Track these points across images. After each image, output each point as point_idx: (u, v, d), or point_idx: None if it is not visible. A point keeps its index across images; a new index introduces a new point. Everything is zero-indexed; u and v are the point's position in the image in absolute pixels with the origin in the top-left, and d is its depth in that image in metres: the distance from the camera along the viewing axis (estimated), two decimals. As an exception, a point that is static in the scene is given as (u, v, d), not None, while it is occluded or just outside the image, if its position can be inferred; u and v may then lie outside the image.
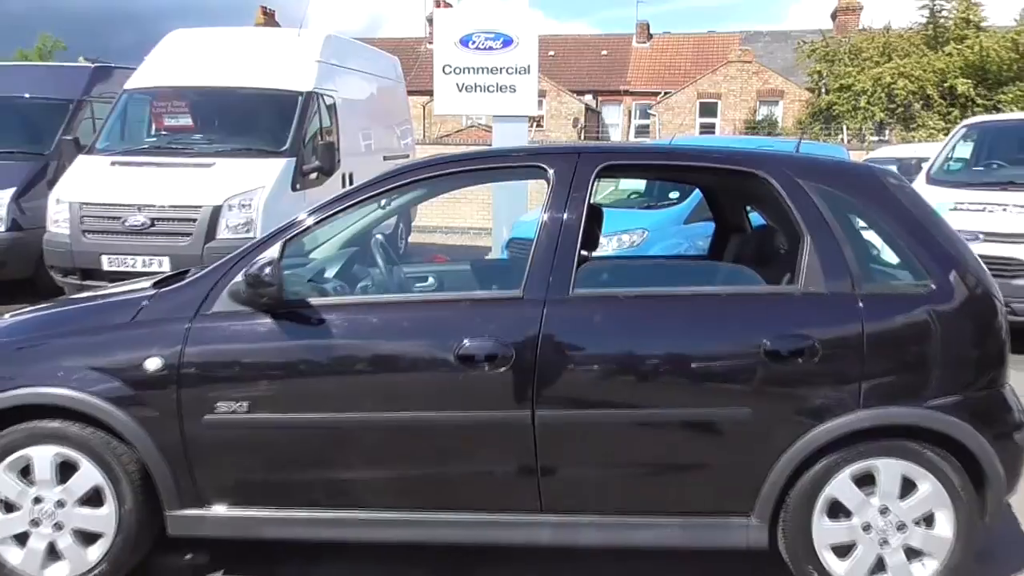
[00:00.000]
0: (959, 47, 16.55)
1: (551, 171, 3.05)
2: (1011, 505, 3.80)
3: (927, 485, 2.91)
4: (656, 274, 3.36)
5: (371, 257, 3.75)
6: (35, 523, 3.02)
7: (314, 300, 3.01)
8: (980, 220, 7.39)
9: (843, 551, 2.95)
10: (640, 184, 9.35)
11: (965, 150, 8.97)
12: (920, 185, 8.53)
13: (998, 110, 15.91)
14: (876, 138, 17.02)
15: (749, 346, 2.87)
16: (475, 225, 16.98)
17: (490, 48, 10.35)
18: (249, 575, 3.22)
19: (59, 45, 41.07)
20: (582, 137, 30.97)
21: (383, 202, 3.25)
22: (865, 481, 2.92)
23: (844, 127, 16.27)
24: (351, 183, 9.37)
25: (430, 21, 37.15)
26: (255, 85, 8.43)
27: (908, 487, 2.92)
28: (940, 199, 7.98)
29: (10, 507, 3.03)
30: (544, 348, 2.87)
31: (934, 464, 2.89)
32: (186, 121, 8.77)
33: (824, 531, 2.93)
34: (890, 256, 3.03)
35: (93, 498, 3.01)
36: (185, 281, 3.14)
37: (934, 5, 17.35)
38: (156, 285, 3.26)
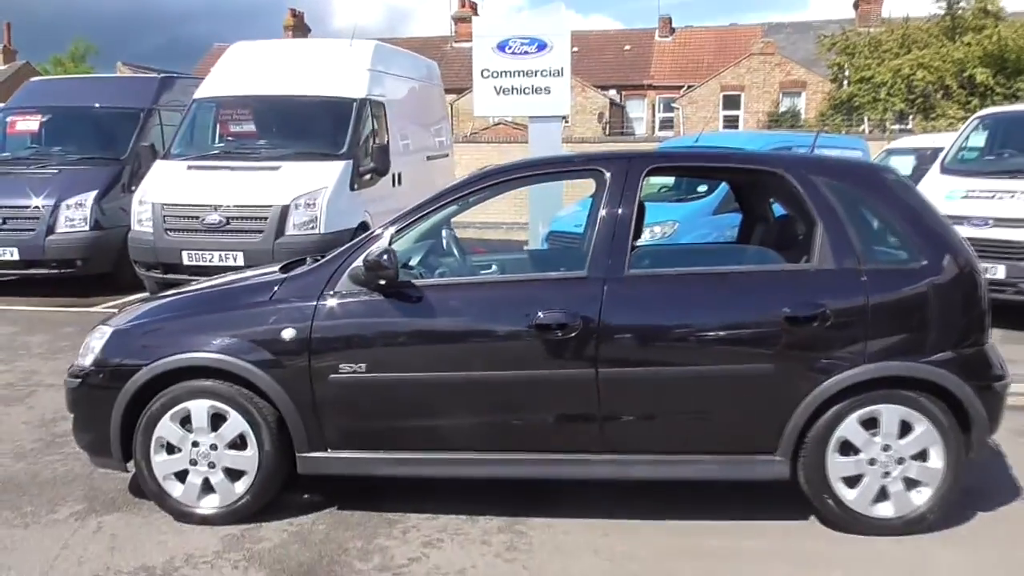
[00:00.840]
0: (977, 37, 16.96)
1: (607, 173, 3.71)
2: (1003, 453, 4.43)
3: (921, 426, 3.54)
4: (694, 257, 4.00)
5: (445, 247, 4.44)
6: (193, 463, 3.74)
7: (418, 282, 3.69)
8: (991, 206, 7.89)
9: (852, 481, 3.59)
10: (670, 179, 9.97)
11: (978, 140, 9.48)
12: (935, 174, 9.09)
13: (1017, 98, 16.31)
14: (899, 127, 17.48)
15: (772, 313, 3.52)
16: (507, 220, 17.67)
17: (526, 52, 11.01)
18: (356, 510, 3.89)
19: (92, 49, 42.24)
20: (607, 132, 31.48)
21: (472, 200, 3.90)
22: (870, 424, 3.56)
23: (866, 118, 16.77)
24: (400, 183, 10.10)
25: (456, 20, 38.03)
26: (313, 93, 9.15)
27: (906, 428, 3.56)
28: (953, 187, 8.52)
29: (171, 450, 3.75)
30: (605, 317, 3.54)
31: (927, 409, 3.53)
32: (250, 127, 9.53)
33: (836, 465, 3.57)
34: (888, 238, 3.66)
35: (239, 443, 3.73)
36: (309, 267, 3.84)
37: (952, -4, 17.79)
38: (283, 270, 3.97)
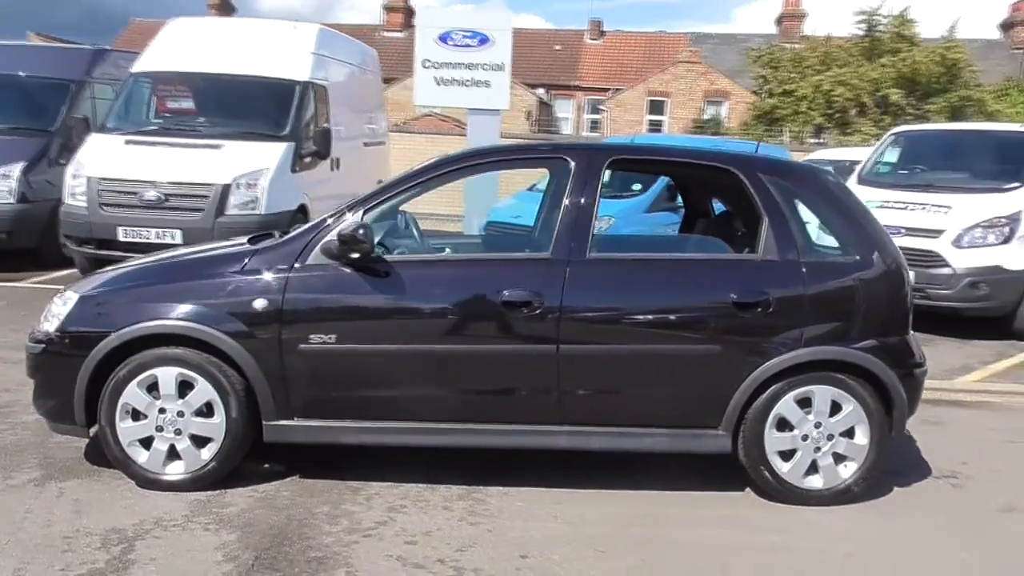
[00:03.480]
0: (893, 59, 17.94)
1: (572, 163, 3.93)
2: (915, 439, 4.84)
3: (850, 406, 3.89)
4: (650, 244, 4.26)
5: (403, 228, 4.59)
6: (159, 429, 3.80)
7: (388, 257, 3.84)
8: (903, 217, 8.45)
9: (787, 455, 3.91)
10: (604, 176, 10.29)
11: (893, 155, 10.12)
12: (852, 185, 9.62)
13: (926, 119, 17.32)
14: (814, 140, 18.30)
15: (721, 299, 3.81)
16: (440, 212, 17.85)
17: (467, 45, 11.17)
18: (319, 478, 4.00)
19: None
20: (536, 130, 31.85)
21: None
22: (804, 403, 3.88)
23: (786, 130, 17.51)
24: (338, 167, 10.14)
25: (387, 9, 37.83)
26: (256, 73, 9.10)
27: (836, 408, 3.89)
28: (869, 197, 9.05)
29: (136, 416, 3.79)
30: (567, 297, 3.76)
31: (855, 391, 3.87)
32: (188, 105, 9.42)
33: (773, 440, 3.89)
34: (826, 234, 3.99)
35: (205, 410, 3.80)
36: (280, 240, 3.93)
37: (871, 19, 18.71)
38: (252, 242, 4.06)
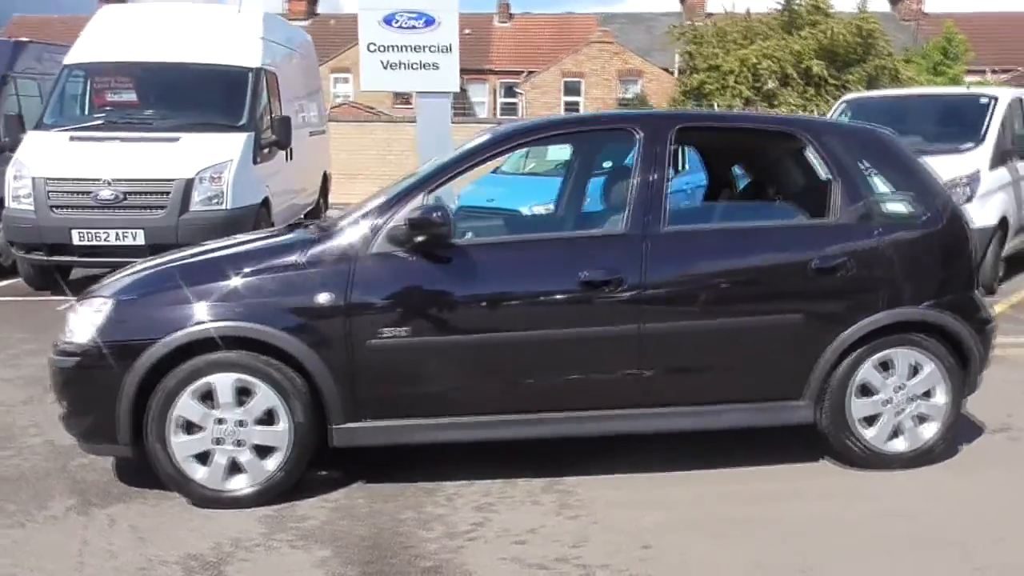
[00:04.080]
0: (812, 31, 18.41)
1: (640, 133, 3.75)
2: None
3: (929, 367, 3.85)
4: (720, 213, 4.12)
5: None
6: (218, 441, 3.45)
7: (458, 241, 3.58)
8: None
9: (870, 421, 3.85)
10: (566, 153, 10.15)
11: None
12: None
13: (847, 88, 17.83)
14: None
15: (802, 265, 3.71)
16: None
17: (413, 27, 10.81)
18: (384, 482, 3.73)
19: None
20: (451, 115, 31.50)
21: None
22: (884, 367, 3.82)
23: (716, 104, 17.76)
24: (292, 157, 9.68)
25: (291, -6, 36.58)
26: (205, 61, 8.56)
27: (915, 370, 3.85)
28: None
29: (190, 429, 3.44)
30: (647, 273, 3.58)
31: (934, 351, 3.84)
32: (130, 97, 8.81)
33: (856, 406, 3.81)
34: (895, 194, 3.93)
35: (266, 417, 3.48)
36: (339, 227, 3.62)
37: (788, -8, 19.15)
38: (290, 229, 3.75)
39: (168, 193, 7.50)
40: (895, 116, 10.29)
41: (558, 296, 3.58)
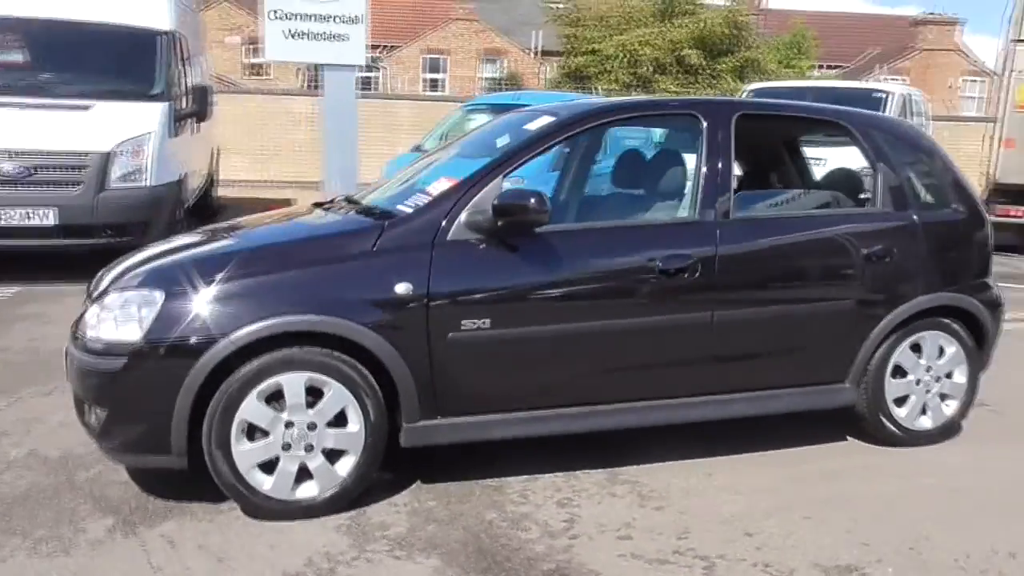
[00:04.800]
0: (687, 21, 19.05)
1: (704, 120, 3.72)
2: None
3: (952, 348, 4.08)
4: (775, 199, 4.15)
5: None
6: (286, 447, 3.15)
7: (539, 229, 3.42)
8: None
9: (900, 401, 4.04)
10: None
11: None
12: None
13: (719, 78, 18.65)
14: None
15: (855, 252, 3.82)
16: (296, 179, 16.78)
17: (319, -7, 10.34)
18: (442, 481, 3.55)
19: None
20: (309, 86, 30.43)
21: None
22: (916, 349, 4.02)
23: (597, 88, 18.06)
24: (198, 130, 9.03)
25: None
26: (110, 20, 7.75)
27: (941, 351, 4.07)
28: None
29: (252, 435, 3.12)
30: (719, 260, 3.58)
31: (958, 333, 4.07)
32: (18, 57, 7.86)
33: (891, 387, 3.99)
34: (929, 186, 4.12)
35: (337, 419, 3.21)
36: (412, 211, 3.38)
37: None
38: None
39: (84, 168, 6.80)
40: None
41: (636, 284, 3.51)
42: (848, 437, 4.19)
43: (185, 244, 3.62)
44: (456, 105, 12.63)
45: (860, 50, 39.16)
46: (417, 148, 9.79)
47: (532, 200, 3.22)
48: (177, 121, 7.76)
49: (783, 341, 3.79)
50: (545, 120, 3.70)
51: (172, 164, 7.51)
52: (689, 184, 3.68)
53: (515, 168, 3.52)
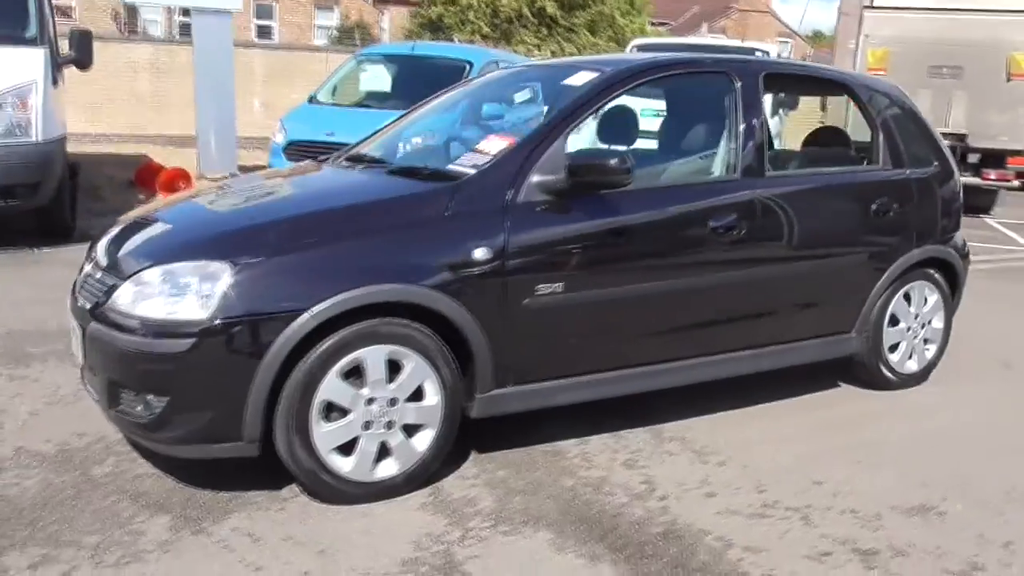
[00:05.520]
0: (543, -28, 19.09)
1: (738, 80, 3.74)
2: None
3: (935, 297, 4.41)
4: (796, 158, 4.21)
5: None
6: (367, 425, 2.94)
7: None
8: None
9: (894, 348, 4.32)
10: (383, 85, 9.64)
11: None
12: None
13: (575, 31, 18.87)
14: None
15: (868, 209, 4.03)
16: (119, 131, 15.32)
17: (187, -71, 9.54)
18: (498, 450, 3.43)
19: None
20: (126, 33, 28.09)
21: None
22: (907, 298, 4.30)
23: (455, 38, 17.74)
24: (64, 82, 8.10)
25: None
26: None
27: (925, 300, 4.38)
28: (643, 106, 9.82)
29: (328, 415, 2.89)
30: (760, 218, 3.66)
31: (939, 283, 4.40)
32: None
33: (888, 335, 4.26)
34: (915, 146, 4.36)
35: (416, 392, 3.03)
36: (476, 172, 3.18)
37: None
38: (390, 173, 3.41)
39: (-39, 120, 5.92)
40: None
41: (692, 244, 3.53)
42: (840, 383, 4.43)
43: (214, 209, 3.25)
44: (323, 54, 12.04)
45: (683, 8, 40.92)
46: (312, 99, 9.27)
47: (613, 161, 3.13)
48: (59, 70, 6.92)
49: (809, 294, 3.94)
50: (590, 76, 3.58)
51: (57, 117, 6.70)
52: (724, 143, 3.70)
53: (575, 126, 3.39)
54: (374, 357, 2.90)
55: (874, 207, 4.04)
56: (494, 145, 3.35)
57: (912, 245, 4.20)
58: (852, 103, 4.23)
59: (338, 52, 17.32)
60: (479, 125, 4.25)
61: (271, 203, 3.34)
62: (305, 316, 2.75)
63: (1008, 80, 11.61)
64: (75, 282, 3.30)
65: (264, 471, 2.99)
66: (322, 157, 4.27)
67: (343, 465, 2.92)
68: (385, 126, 4.52)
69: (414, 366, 2.98)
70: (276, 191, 3.56)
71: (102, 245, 3.28)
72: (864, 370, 4.30)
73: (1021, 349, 5.21)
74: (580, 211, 3.24)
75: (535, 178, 3.17)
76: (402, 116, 4.56)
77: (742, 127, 3.70)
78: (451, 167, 3.35)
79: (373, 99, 9.30)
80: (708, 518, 3.00)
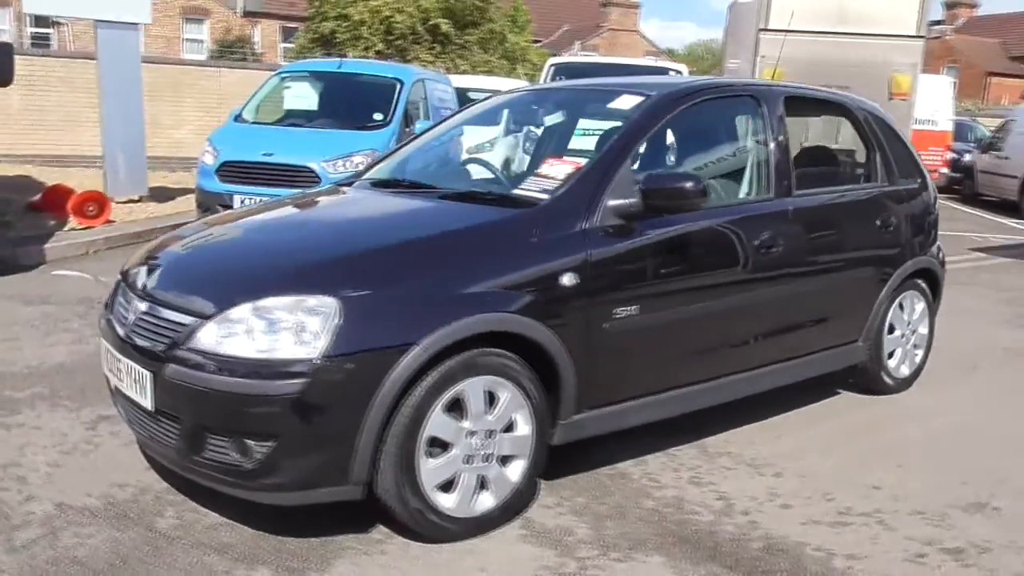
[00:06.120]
0: (436, -10, 19.06)
1: (764, 104, 3.89)
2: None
3: (921, 304, 4.72)
4: (811, 177, 4.36)
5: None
6: (468, 459, 2.86)
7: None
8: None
9: (891, 355, 4.58)
10: (309, 103, 9.37)
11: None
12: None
13: (468, 48, 18.93)
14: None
15: (875, 224, 4.28)
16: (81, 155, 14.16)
17: (91, -63, 9.08)
18: (554, 477, 3.42)
19: None
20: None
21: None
22: (900, 307, 4.57)
23: (349, 54, 17.42)
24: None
25: None
26: None
27: (913, 308, 4.67)
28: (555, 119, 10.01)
29: (432, 450, 2.80)
30: (792, 235, 3.82)
31: (925, 291, 4.71)
32: None
33: (887, 342, 4.52)
34: (900, 163, 4.64)
35: (509, 423, 2.98)
36: (551, 198, 3.16)
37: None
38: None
39: None
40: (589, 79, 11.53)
41: (744, 262, 3.63)
42: (839, 391, 4.66)
43: (273, 236, 3.11)
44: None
45: (555, 26, 41.84)
46: (238, 118, 8.90)
47: (689, 184, 3.19)
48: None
49: (830, 306, 4.13)
50: (637, 99, 3.63)
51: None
52: (759, 164, 3.84)
53: (635, 151, 3.42)
54: (474, 389, 2.84)
55: (879, 221, 4.30)
56: (558, 170, 3.34)
57: (908, 256, 4.49)
58: (848, 122, 4.48)
59: (233, 69, 16.67)
60: (522, 148, 4.24)
61: (342, 230, 3.21)
62: (416, 349, 2.66)
63: (890, 99, 12.51)
64: (112, 320, 3.08)
65: (328, 512, 2.85)
66: (341, 182, 4.14)
67: (445, 502, 2.83)
68: (396, 149, 4.42)
69: (510, 396, 2.93)
70: (330, 217, 3.42)
71: (151, 278, 3.04)
72: (866, 377, 4.53)
73: (978, 351, 5.61)
74: (648, 234, 3.28)
75: (610, 202, 3.19)
76: (412, 139, 4.47)
77: (772, 147, 3.85)
78: (517, 192, 3.32)
79: (300, 117, 9.04)
80: (796, 529, 3.09)
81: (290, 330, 2.60)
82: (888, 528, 3.13)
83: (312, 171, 7.79)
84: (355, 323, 2.62)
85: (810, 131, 5.79)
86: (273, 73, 9.84)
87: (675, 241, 3.37)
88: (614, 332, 3.18)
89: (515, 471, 3.00)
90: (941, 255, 4.86)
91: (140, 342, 2.87)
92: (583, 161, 3.36)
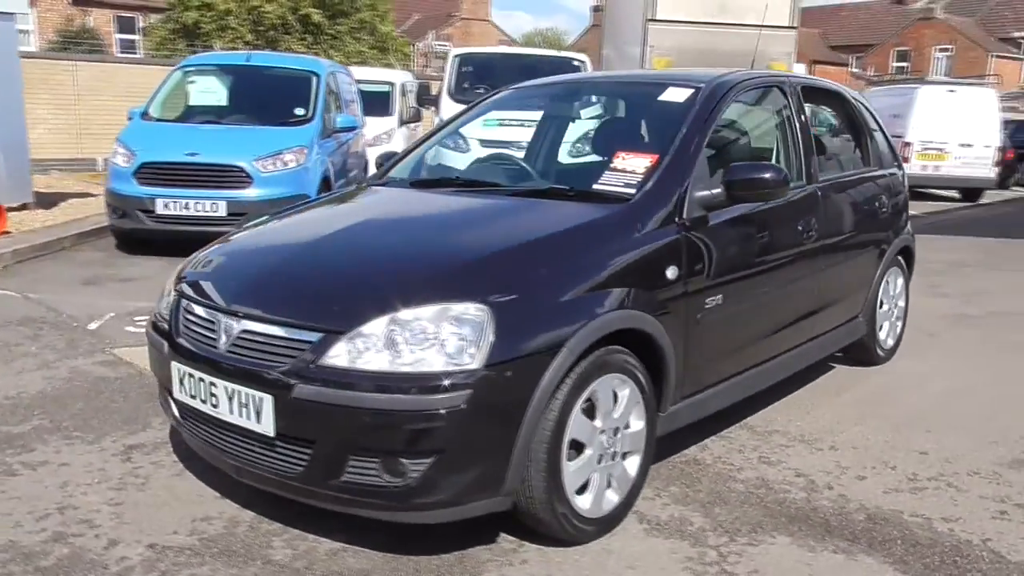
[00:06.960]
0: (303, -21, 18.36)
1: (792, 93, 4.05)
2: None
3: (900, 281, 5.07)
4: (829, 163, 4.50)
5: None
6: (600, 459, 2.84)
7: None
8: (524, 133, 9.61)
9: (880, 327, 4.90)
10: (219, 99, 8.88)
11: (462, 75, 11.11)
12: (447, 100, 10.53)
13: (340, 39, 18.42)
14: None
15: (878, 206, 4.56)
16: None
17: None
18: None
19: None
20: None
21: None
22: (886, 284, 4.90)
23: (215, 45, 16.54)
24: None
25: None
26: None
27: (897, 283, 5.02)
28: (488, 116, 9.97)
29: (570, 453, 2.76)
30: (824, 220, 4.02)
31: (904, 269, 5.07)
32: None
33: (879, 315, 4.83)
34: (885, 145, 4.96)
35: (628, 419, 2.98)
36: (639, 192, 3.17)
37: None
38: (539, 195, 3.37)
39: None
40: (496, 70, 11.50)
41: (795, 246, 3.80)
42: (832, 364, 4.93)
43: (368, 240, 2.97)
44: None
45: (405, 16, 41.41)
46: (144, 115, 8.30)
47: (770, 175, 3.27)
48: None
49: (846, 284, 4.37)
50: (687, 92, 3.66)
51: None
52: (794, 150, 3.99)
53: (706, 141, 3.47)
54: (604, 388, 2.82)
55: (878, 202, 4.58)
56: (634, 163, 3.34)
57: (895, 235, 4.81)
58: (844, 109, 4.75)
59: (91, 63, 15.43)
60: (572, 142, 4.22)
61: (453, 234, 3.07)
62: (564, 351, 2.61)
63: (769, 85, 13.28)
64: (183, 340, 2.85)
65: (438, 525, 2.76)
66: (371, 181, 3.98)
67: (583, 503, 2.81)
68: (412, 148, 4.27)
69: (629, 392, 2.93)
70: (424, 220, 3.27)
71: (239, 291, 2.82)
72: (861, 349, 4.83)
73: (928, 320, 6.04)
74: (728, 223, 3.36)
75: (696, 194, 3.23)
76: (427, 137, 4.34)
77: (801, 134, 4.02)
78: (598, 187, 3.30)
79: (211, 114, 8.55)
80: (884, 498, 3.26)
81: (439, 341, 2.49)
82: (959, 490, 3.36)
83: (243, 170, 7.43)
84: (507, 329, 2.54)
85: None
86: (175, 67, 9.21)
87: (750, 230, 3.48)
88: (706, 323, 3.24)
89: (632, 466, 3.01)
90: (913, 236, 5.23)
91: (247, 363, 2.65)
92: (656, 155, 3.37)
